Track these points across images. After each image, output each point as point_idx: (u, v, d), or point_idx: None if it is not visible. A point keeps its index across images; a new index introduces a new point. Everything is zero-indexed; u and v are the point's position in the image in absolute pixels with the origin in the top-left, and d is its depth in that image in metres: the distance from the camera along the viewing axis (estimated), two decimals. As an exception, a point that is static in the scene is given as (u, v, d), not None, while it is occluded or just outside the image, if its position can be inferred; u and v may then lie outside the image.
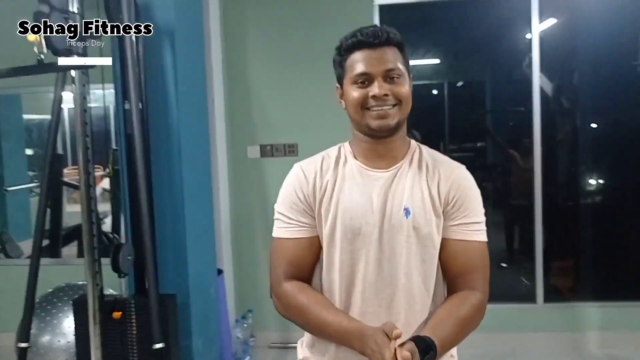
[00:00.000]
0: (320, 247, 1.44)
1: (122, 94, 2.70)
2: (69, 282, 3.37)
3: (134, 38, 2.54)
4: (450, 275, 1.43)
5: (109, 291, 2.79)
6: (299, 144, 3.92)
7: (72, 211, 4.40)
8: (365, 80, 1.36)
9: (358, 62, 1.36)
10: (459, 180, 1.42)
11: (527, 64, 4.08)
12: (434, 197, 1.40)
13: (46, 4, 2.05)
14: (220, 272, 3.55)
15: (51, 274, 3.66)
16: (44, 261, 4.23)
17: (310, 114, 3.98)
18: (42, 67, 2.00)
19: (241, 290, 4.07)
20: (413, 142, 1.50)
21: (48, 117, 2.66)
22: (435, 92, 7.90)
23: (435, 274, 1.43)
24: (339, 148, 1.51)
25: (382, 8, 3.98)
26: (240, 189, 4.01)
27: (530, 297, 4.07)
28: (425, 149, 1.50)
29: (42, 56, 2.06)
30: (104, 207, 4.11)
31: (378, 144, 1.42)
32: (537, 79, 3.93)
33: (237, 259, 4.06)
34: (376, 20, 3.97)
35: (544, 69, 4.03)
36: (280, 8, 3.99)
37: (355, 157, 1.46)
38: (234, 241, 4.06)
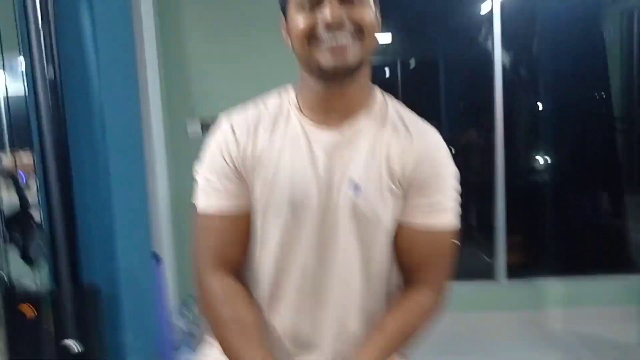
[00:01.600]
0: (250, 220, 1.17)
1: (30, 64, 2.36)
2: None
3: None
4: (404, 266, 1.19)
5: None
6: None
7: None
8: (313, 3, 1.04)
9: None
10: (430, 150, 1.14)
11: (485, 37, 3.88)
12: (395, 170, 1.12)
13: None
14: (158, 259, 3.26)
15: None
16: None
17: (257, 83, 3.66)
18: None
19: (184, 277, 3.78)
20: (378, 91, 1.20)
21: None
22: (387, 70, 7.75)
23: (381, 262, 1.17)
24: (281, 97, 1.20)
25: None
26: (181, 168, 3.71)
27: (490, 274, 3.90)
28: (393, 102, 1.20)
29: None
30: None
31: (331, 91, 1.11)
32: (499, 54, 3.73)
33: (178, 244, 3.76)
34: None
35: (504, 41, 3.83)
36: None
37: (300, 110, 1.16)
38: (175, 225, 3.76)
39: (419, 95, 6.42)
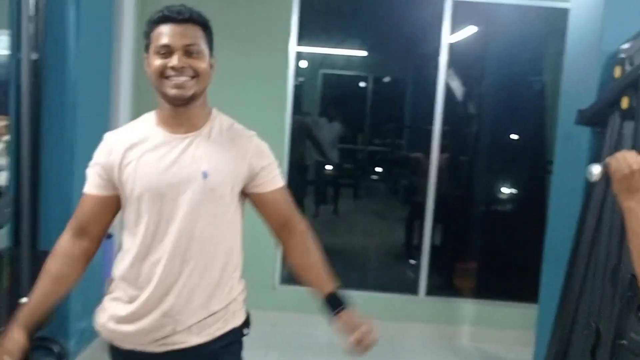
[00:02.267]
0: (117, 204, 1.58)
1: (17, 42, 2.61)
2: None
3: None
4: (277, 221, 1.67)
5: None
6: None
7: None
8: (166, 51, 1.47)
9: (162, 35, 1.48)
10: (256, 146, 1.62)
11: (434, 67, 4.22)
12: (236, 163, 1.57)
13: None
14: (109, 235, 3.49)
15: None
16: None
17: (225, 86, 3.93)
18: None
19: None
20: (214, 110, 1.63)
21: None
22: (361, 84, 8.08)
23: (226, 227, 1.59)
24: (145, 117, 1.62)
25: (303, -6, 4.01)
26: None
27: (413, 289, 4.26)
28: (224, 118, 1.64)
29: None
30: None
31: (178, 112, 1.53)
32: (442, 85, 4.08)
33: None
34: (296, 7, 4.00)
35: (455, 74, 4.19)
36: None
37: (157, 125, 1.57)
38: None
39: (385, 110, 6.73)
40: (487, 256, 4.74)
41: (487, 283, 4.62)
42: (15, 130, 2.59)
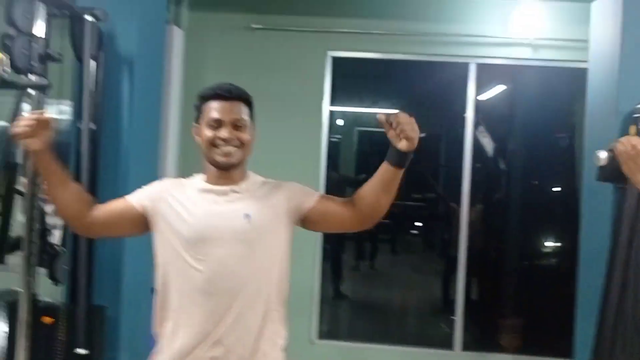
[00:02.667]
0: (136, 223, 1.75)
1: (77, 113, 2.90)
2: (7, 288, 3.46)
3: (93, 63, 2.74)
4: (342, 210, 1.77)
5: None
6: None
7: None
8: (217, 124, 1.70)
9: (213, 110, 1.72)
10: (288, 185, 1.81)
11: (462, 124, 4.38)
12: (274, 204, 1.74)
13: (14, 27, 2.26)
14: (154, 291, 3.66)
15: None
16: (-12, 268, 4.32)
17: (262, 154, 4.15)
18: (4, 84, 2.19)
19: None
20: (252, 173, 1.83)
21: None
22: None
23: (269, 264, 1.72)
24: (194, 176, 1.83)
25: (336, 60, 4.27)
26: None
27: (448, 344, 4.29)
28: (258, 176, 1.84)
29: (6, 74, 2.25)
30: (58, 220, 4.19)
31: (222, 174, 1.74)
32: (469, 142, 4.23)
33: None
34: (329, 70, 4.25)
35: (484, 130, 4.35)
36: (240, 51, 4.24)
37: (204, 180, 1.79)
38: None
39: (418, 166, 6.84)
40: (523, 310, 4.74)
41: (524, 337, 4.60)
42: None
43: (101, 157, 2.98)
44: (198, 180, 1.79)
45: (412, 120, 1.60)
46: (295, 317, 4.20)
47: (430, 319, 5.37)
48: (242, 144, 1.72)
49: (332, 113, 4.40)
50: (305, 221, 1.77)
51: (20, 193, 4.58)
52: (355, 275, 6.47)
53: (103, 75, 2.92)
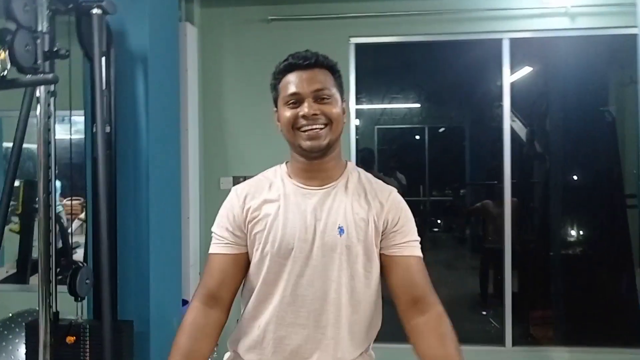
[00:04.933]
0: (247, 264, 1.47)
1: (91, 117, 2.71)
2: (30, 308, 3.30)
3: (103, 62, 2.55)
4: (408, 293, 1.42)
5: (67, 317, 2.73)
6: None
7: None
8: (296, 100, 1.40)
9: (289, 84, 1.41)
10: (396, 202, 1.48)
11: (499, 110, 4.14)
12: (372, 218, 1.43)
13: (13, 22, 2.06)
14: (185, 302, 3.49)
15: (16, 301, 3.58)
16: (10, 287, 4.18)
17: (284, 148, 3.99)
18: (3, 83, 1.99)
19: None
20: (350, 163, 1.54)
21: (33, 145, 2.59)
22: (417, 137, 8.05)
23: (362, 291, 1.44)
24: (275, 169, 1.54)
25: (358, 47, 4.04)
26: (212, 220, 3.98)
27: (499, 340, 4.03)
28: (361, 171, 1.54)
29: (6, 72, 2.05)
30: (81, 239, 4.05)
31: (312, 164, 1.45)
32: (508, 126, 3.98)
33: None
34: (352, 59, 4.03)
35: (517, 114, 4.09)
36: (258, 42, 4.05)
37: (290, 177, 1.49)
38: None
39: (443, 159, 6.67)
40: (574, 300, 4.46)
41: (579, 329, 4.33)
42: (93, 202, 2.64)
43: (118, 161, 2.79)
44: (281, 179, 1.49)
45: None
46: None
47: (471, 316, 5.10)
48: (329, 121, 1.40)
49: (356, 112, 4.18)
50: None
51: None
52: None
53: (115, 74, 2.73)
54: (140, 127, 2.86)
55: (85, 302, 2.74)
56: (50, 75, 2.12)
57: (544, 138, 4.77)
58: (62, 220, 4.04)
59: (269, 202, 1.45)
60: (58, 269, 2.67)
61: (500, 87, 3.97)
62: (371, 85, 5.58)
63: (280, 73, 1.45)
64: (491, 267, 4.83)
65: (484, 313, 4.73)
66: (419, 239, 1.48)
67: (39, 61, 2.19)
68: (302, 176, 1.47)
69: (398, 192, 1.52)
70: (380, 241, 1.44)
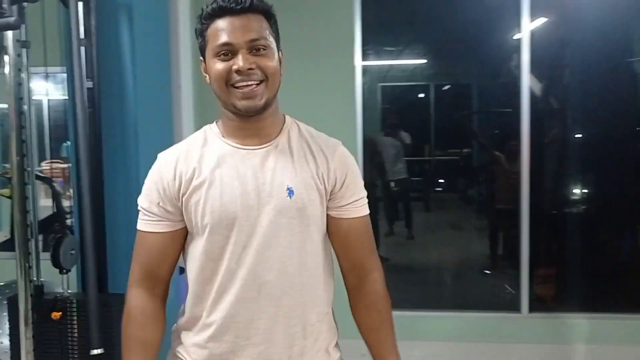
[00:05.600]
0: (184, 239, 1.35)
1: (70, 72, 2.44)
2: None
3: (80, 8, 2.28)
4: (348, 259, 1.39)
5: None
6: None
7: (46, 205, 4.16)
8: (228, 51, 1.23)
9: (220, 31, 1.23)
10: (342, 158, 1.36)
11: (516, 64, 3.87)
12: (319, 176, 1.31)
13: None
14: (182, 270, 3.28)
15: (11, 268, 3.41)
16: (5, 255, 4.00)
17: (293, 108, 3.77)
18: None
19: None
20: (288, 117, 1.40)
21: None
22: (421, 95, 7.79)
23: (320, 255, 1.34)
24: (205, 130, 1.38)
25: (364, 1, 3.77)
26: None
27: (514, 306, 3.85)
28: (301, 124, 1.41)
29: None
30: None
31: (248, 122, 1.30)
32: (527, 80, 3.72)
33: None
34: (358, 14, 3.75)
35: (533, 69, 3.81)
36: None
37: (224, 137, 1.33)
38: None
39: (450, 118, 6.46)
40: (593, 263, 4.26)
41: (598, 294, 4.14)
42: (75, 166, 2.41)
43: (103, 120, 2.54)
44: (213, 140, 1.32)
45: None
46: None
47: (482, 280, 4.92)
48: (266, 76, 1.25)
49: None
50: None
51: (39, 177, 4.32)
52: (389, 236, 6.02)
53: (96, 22, 2.45)
54: (126, 82, 2.59)
55: (75, 274, 2.55)
56: (12, 19, 1.85)
57: (562, 93, 4.50)
58: (53, 184, 3.84)
59: (204, 168, 1.29)
60: (52, 236, 2.47)
61: (517, 40, 3.69)
62: (377, 40, 5.30)
63: (208, 17, 1.25)
64: (502, 227, 4.66)
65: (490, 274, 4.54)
66: (364, 194, 1.38)
67: (4, 5, 1.92)
68: (238, 135, 1.31)
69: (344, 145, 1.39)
70: (328, 201, 1.34)
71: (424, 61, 6.95)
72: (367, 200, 1.38)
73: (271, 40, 1.26)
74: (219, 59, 1.23)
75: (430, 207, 7.11)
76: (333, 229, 1.35)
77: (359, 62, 3.79)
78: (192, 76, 3.68)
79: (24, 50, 2.29)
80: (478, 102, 6.02)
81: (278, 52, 1.29)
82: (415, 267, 5.60)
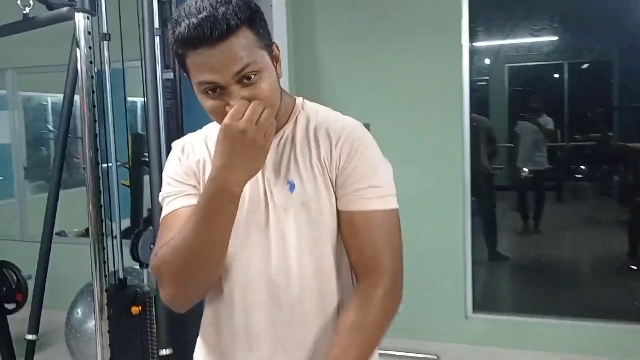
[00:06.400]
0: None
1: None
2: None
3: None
4: (354, 257, 1.17)
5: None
6: (371, 124, 3.47)
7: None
8: (215, 88, 1.03)
9: (200, 67, 1.02)
10: (349, 140, 1.16)
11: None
12: (322, 161, 1.15)
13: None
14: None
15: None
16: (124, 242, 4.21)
17: (384, 92, 3.57)
18: (26, 23, 1.71)
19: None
20: (298, 100, 1.22)
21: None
22: (556, 75, 7.18)
23: (335, 255, 1.17)
24: (207, 128, 1.23)
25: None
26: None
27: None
28: (312, 109, 1.22)
29: (27, 10, 1.77)
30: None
31: None
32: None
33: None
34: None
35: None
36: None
37: None
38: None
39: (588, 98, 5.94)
40: None
41: None
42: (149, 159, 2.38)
43: (185, 110, 2.49)
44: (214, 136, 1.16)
45: None
46: (445, 287, 3.60)
47: (620, 284, 4.37)
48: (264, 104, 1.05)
49: (472, 50, 3.60)
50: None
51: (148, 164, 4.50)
52: (516, 235, 5.67)
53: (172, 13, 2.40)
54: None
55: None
56: (85, 6, 1.81)
57: None
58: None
59: (208, 160, 1.17)
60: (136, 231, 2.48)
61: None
62: (493, 19, 4.89)
63: (183, 45, 1.02)
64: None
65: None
66: (380, 184, 1.15)
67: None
68: None
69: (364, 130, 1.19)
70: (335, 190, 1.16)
71: (555, 38, 6.39)
72: (386, 193, 1.17)
73: (260, 55, 1.05)
74: (207, 96, 1.05)
75: (563, 198, 6.69)
76: (340, 222, 1.17)
77: (466, 44, 3.48)
78: (288, 63, 3.62)
79: (105, 42, 2.29)
80: (621, 83, 5.44)
81: (270, 52, 1.09)
82: (540, 266, 5.17)
